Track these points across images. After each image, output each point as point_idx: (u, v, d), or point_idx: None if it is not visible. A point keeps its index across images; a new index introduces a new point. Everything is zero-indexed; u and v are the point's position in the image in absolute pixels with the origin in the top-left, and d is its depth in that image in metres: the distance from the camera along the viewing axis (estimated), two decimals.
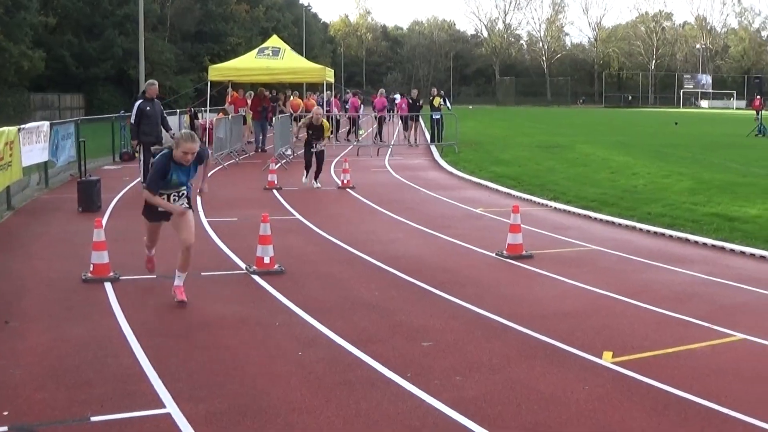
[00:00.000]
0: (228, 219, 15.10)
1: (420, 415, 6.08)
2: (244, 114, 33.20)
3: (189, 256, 9.37)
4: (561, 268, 11.33)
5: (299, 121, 38.52)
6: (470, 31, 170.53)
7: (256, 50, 34.34)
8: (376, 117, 38.61)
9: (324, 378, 6.83)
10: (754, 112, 50.29)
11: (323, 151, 20.64)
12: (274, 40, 35.11)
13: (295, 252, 12.17)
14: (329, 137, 20.96)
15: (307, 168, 20.49)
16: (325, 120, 20.84)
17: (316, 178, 20.61)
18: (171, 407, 6.13)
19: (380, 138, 36.84)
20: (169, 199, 9.21)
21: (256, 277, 10.51)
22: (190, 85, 65.74)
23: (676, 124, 58.42)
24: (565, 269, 11.24)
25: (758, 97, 56.19)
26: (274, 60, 32.30)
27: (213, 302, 9.33)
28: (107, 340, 7.79)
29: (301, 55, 46.83)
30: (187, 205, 9.38)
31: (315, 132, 19.99)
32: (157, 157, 9.07)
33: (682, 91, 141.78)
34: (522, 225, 12.52)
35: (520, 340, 8.05)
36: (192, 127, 36.50)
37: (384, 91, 44.96)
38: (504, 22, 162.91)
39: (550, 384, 6.76)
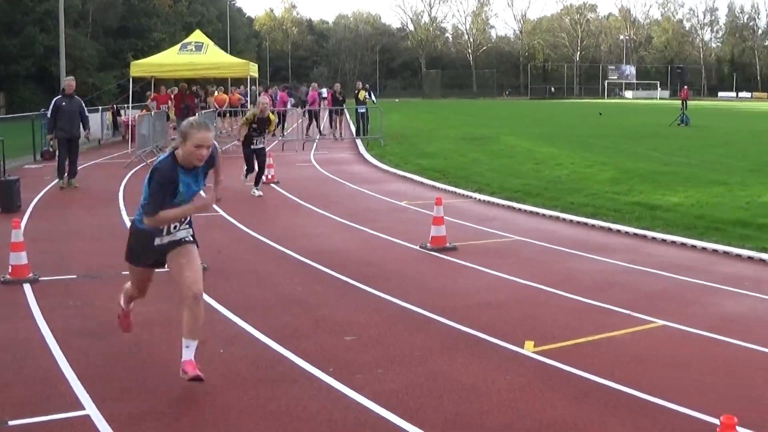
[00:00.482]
0: None
1: (341, 409, 6.08)
2: (167, 111, 32.89)
3: (199, 312, 6.54)
4: (484, 259, 11.40)
5: (224, 116, 38.67)
6: (396, 25, 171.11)
7: (179, 45, 34.10)
8: (307, 111, 38.61)
9: (246, 375, 6.80)
10: (681, 101, 51.16)
11: (264, 148, 18.59)
12: (197, 35, 34.85)
13: (218, 249, 12.08)
14: (273, 132, 19.35)
15: (249, 167, 18.43)
16: (271, 113, 18.92)
17: (257, 183, 18.37)
18: (90, 409, 6.04)
19: (318, 131, 36.97)
20: (169, 228, 6.63)
21: None
22: (113, 81, 64.84)
23: (600, 114, 59.12)
24: (489, 260, 11.31)
25: (686, 87, 57.26)
26: (197, 55, 32.08)
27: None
28: (26, 342, 7.66)
29: (226, 50, 46.62)
30: (191, 237, 6.78)
31: (260, 125, 18.15)
32: (156, 166, 6.42)
33: (606, 81, 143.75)
34: (446, 217, 12.57)
35: (442, 332, 8.07)
36: (114, 123, 36.13)
37: (316, 84, 44.99)
38: (429, 15, 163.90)
39: (471, 375, 6.80)
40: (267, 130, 18.48)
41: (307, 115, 38.14)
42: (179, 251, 6.62)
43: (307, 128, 36.93)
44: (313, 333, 7.99)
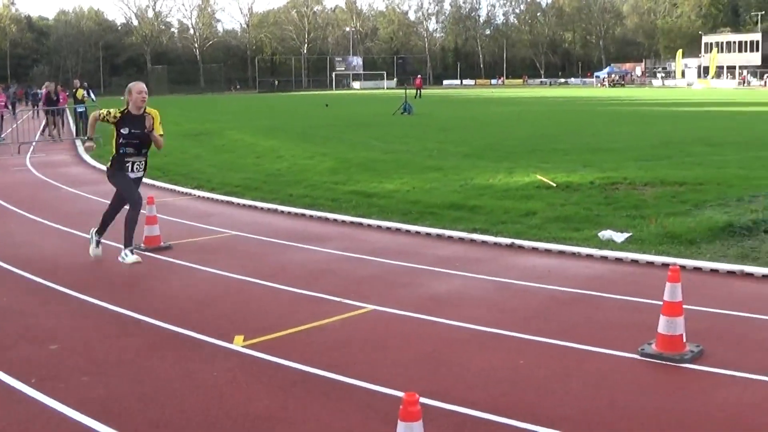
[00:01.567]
0: None
1: (42, 421, 5.89)
2: None
3: None
4: (199, 256, 11.34)
5: None
6: (120, 20, 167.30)
7: None
8: (42, 111, 37.35)
9: None
10: (416, 90, 52.68)
11: (142, 178, 11.29)
12: None
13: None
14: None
15: (110, 217, 11.41)
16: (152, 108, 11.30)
17: (127, 242, 10.89)
18: None
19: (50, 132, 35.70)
20: None
21: None
22: None
23: (327, 105, 59.88)
24: (204, 257, 11.26)
25: (419, 76, 59.24)
26: None
27: None
28: None
29: None
30: None
31: (133, 131, 10.86)
32: None
33: (334, 73, 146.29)
34: (164, 216, 12.49)
35: (152, 333, 7.97)
36: None
37: (48, 83, 43.43)
38: (154, 9, 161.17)
39: (178, 375, 6.74)
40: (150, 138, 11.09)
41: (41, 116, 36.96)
42: None
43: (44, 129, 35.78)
44: (17, 344, 7.68)
